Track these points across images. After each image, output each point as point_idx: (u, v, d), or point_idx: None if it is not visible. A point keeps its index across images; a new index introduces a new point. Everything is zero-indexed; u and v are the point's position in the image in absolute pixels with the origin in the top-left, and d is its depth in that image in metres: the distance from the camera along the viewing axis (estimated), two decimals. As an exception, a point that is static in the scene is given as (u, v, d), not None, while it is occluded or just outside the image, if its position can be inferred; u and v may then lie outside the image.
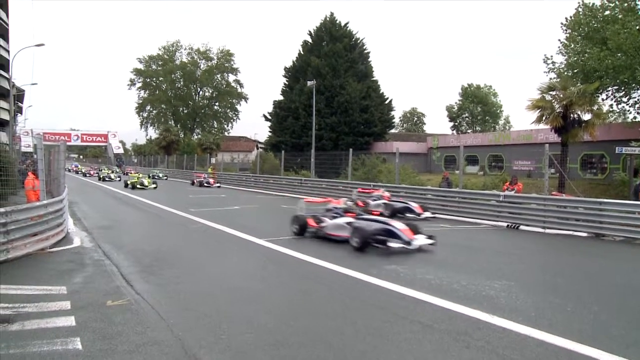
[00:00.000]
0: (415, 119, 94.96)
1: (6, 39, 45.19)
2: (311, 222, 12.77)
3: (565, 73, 33.50)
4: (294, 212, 13.68)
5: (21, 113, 70.41)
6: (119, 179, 45.76)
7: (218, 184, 37.49)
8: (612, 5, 31.45)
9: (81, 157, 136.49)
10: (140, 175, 35.75)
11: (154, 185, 34.01)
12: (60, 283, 7.73)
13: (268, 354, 4.97)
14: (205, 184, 37.18)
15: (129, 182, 33.86)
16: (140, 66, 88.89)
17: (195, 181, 39.15)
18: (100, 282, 7.94)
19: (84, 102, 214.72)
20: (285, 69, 57.69)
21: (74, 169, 71.68)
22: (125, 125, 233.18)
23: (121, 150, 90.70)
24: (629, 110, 34.41)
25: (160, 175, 49.47)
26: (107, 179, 45.52)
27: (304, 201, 14.32)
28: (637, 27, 29.23)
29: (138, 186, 32.74)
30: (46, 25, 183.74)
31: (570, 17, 33.97)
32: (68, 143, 73.14)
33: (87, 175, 59.10)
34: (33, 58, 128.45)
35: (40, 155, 11.81)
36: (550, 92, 27.27)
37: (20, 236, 9.81)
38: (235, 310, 6.55)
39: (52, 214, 11.25)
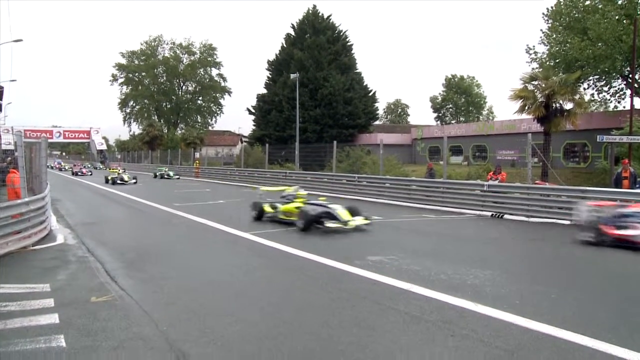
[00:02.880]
0: (399, 110, 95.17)
1: (-17, 35, 44.45)
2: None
3: (547, 63, 33.85)
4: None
5: (0, 110, 69.33)
6: (134, 180, 33.61)
7: None
8: (592, -5, 31.77)
9: (63, 154, 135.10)
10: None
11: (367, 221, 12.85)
12: (43, 281, 7.65)
13: (254, 346, 4.96)
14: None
15: (275, 210, 14.04)
16: (123, 61, 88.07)
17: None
18: (84, 278, 7.87)
19: (66, 98, 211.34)
20: (269, 62, 57.48)
21: (57, 166, 70.65)
22: (108, 121, 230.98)
23: (104, 147, 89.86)
24: (609, 100, 34.89)
25: (171, 174, 42.07)
26: (118, 181, 32.53)
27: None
28: (617, 17, 29.55)
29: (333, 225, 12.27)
30: (24, 20, 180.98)
31: (552, 7, 34.27)
32: (50, 140, 72.17)
33: (79, 174, 49.30)
34: (11, 54, 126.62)
35: (21, 152, 11.63)
36: (533, 82, 27.51)
37: (2, 234, 9.69)
38: (220, 304, 6.53)
39: (34, 211, 11.12)
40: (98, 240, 11.51)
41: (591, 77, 33.80)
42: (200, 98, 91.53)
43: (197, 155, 50.85)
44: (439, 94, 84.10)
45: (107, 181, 33.31)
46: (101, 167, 65.67)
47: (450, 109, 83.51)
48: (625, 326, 5.51)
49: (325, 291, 7.07)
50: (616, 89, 34.30)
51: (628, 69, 30.63)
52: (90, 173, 50.89)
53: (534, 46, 35.78)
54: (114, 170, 37.23)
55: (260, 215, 14.00)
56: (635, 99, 29.33)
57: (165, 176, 41.42)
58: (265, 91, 56.95)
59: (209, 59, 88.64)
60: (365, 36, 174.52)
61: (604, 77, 33.42)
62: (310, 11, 55.17)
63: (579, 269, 8.85)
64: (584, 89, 33.85)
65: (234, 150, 71.02)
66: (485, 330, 5.30)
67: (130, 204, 20.41)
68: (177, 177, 41.74)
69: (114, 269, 8.39)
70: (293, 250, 9.86)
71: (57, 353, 4.84)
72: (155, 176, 42.35)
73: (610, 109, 34.52)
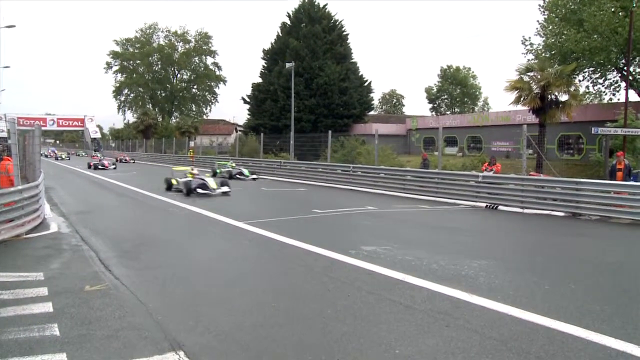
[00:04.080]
0: (395, 100, 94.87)
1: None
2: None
3: (543, 54, 33.80)
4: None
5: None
6: (226, 188, 18.76)
7: None
8: (588, -14, 31.65)
9: (57, 142, 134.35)
10: None
11: None
12: (37, 269, 7.61)
13: (249, 335, 4.96)
14: None
15: None
16: (117, 49, 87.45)
17: None
18: (78, 267, 7.83)
19: (60, 86, 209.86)
20: (264, 51, 57.25)
21: (52, 154, 69.75)
22: (102, 110, 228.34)
23: (98, 135, 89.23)
24: (604, 92, 34.92)
25: (245, 172, 27.63)
26: (198, 190, 18.09)
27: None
28: (613, 9, 29.51)
29: None
30: (17, 6, 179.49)
31: (548, -2, 34.16)
32: (44, 128, 71.45)
33: (99, 167, 37.31)
34: (4, 40, 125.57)
35: (14, 139, 11.53)
36: (528, 73, 27.48)
37: (-5, 222, 9.62)
38: (215, 293, 6.52)
39: (27, 199, 11.04)
40: (92, 229, 11.44)
41: (586, 69, 33.79)
42: (195, 86, 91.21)
43: (192, 144, 50.63)
44: (434, 84, 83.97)
45: (169, 187, 19.86)
46: (97, 155, 65.19)
47: (446, 100, 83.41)
48: (619, 317, 5.53)
49: (320, 281, 7.07)
50: (611, 81, 34.35)
51: (623, 61, 30.62)
52: (114, 166, 39.40)
53: (529, 37, 35.67)
54: (184, 170, 21.37)
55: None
56: (630, 91, 29.33)
57: (238, 176, 27.14)
58: (260, 80, 56.78)
59: (204, 47, 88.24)
60: (360, 26, 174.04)
61: (599, 69, 33.43)
62: (306, 0, 54.91)
63: (573, 260, 8.88)
64: (579, 81, 33.86)
65: (229, 139, 70.67)
66: (480, 321, 5.32)
67: (124, 192, 20.33)
68: (254, 176, 27.73)
69: (108, 258, 8.36)
70: (288, 240, 9.85)
71: (51, 342, 4.81)
72: (215, 174, 27.60)
73: (605, 101, 34.56)
